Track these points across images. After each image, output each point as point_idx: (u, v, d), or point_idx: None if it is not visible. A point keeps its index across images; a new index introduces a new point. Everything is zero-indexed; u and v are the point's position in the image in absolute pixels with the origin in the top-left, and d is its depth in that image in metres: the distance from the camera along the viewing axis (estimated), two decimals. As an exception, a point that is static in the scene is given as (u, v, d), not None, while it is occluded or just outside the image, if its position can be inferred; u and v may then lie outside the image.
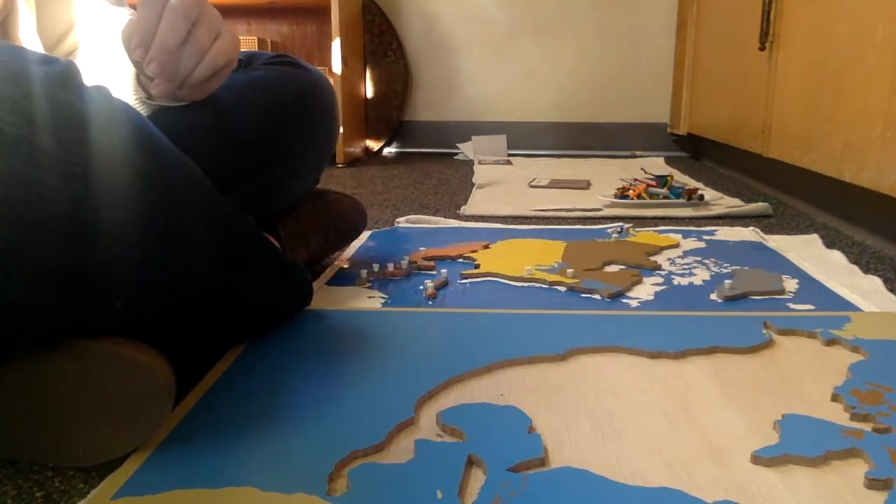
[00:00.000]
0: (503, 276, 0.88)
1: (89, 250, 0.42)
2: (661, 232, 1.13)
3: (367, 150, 2.46)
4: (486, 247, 1.02)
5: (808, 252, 1.01)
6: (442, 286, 0.84)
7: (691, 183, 1.60)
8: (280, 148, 0.78)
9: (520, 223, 1.24)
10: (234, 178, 0.68)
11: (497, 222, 1.25)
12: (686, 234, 1.11)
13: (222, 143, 0.67)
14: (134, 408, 0.47)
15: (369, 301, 0.80)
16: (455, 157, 2.35)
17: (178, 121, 0.48)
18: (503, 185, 1.69)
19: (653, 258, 0.95)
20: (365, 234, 1.11)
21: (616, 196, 1.39)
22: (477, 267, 0.92)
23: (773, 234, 1.14)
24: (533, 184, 1.67)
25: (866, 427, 0.49)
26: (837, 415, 0.52)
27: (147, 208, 0.45)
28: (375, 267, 0.90)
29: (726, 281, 0.82)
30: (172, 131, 0.53)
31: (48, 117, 0.40)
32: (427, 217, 1.25)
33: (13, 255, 0.39)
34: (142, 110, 0.61)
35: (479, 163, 2.15)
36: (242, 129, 0.73)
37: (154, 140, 0.48)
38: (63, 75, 0.42)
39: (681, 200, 1.36)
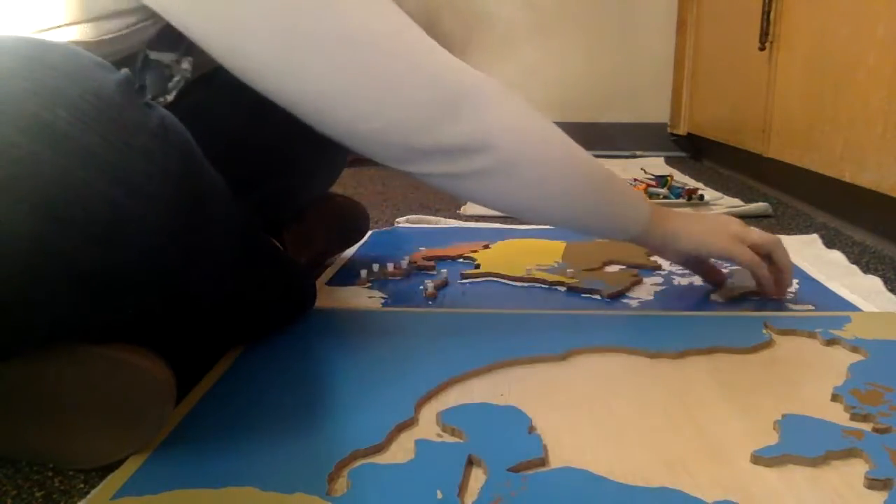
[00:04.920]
0: (503, 276, 0.88)
1: (117, 256, 0.42)
2: (661, 232, 1.12)
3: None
4: (486, 247, 1.02)
5: (808, 252, 1.01)
6: (442, 286, 0.84)
7: (691, 183, 1.60)
8: (288, 156, 0.78)
9: (520, 223, 1.24)
10: (242, 187, 0.68)
11: (497, 222, 1.25)
12: (686, 234, 1.11)
13: (230, 152, 0.67)
14: (134, 412, 0.47)
15: (369, 301, 0.80)
16: (455, 157, 2.35)
17: (190, 129, 0.48)
18: (503, 185, 1.69)
19: (653, 258, 0.95)
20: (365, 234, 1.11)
21: (616, 196, 1.39)
22: (477, 267, 0.92)
23: (772, 234, 1.13)
24: (533, 184, 1.67)
25: (866, 427, 0.49)
26: (837, 415, 0.52)
27: (179, 218, 0.45)
28: (375, 267, 0.90)
29: (727, 280, 0.82)
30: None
31: (100, 117, 0.40)
32: (427, 217, 1.25)
33: (41, 250, 0.38)
34: None
35: (479, 163, 2.14)
36: (251, 137, 0.73)
37: (195, 151, 0.48)
38: (121, 81, 0.42)
39: (681, 200, 1.36)
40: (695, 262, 0.80)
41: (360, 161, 0.62)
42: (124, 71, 0.44)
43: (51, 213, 0.38)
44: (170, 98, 0.63)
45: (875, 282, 0.86)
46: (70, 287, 0.41)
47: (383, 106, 0.54)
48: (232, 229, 0.55)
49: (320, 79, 0.52)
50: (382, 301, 0.80)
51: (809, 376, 0.58)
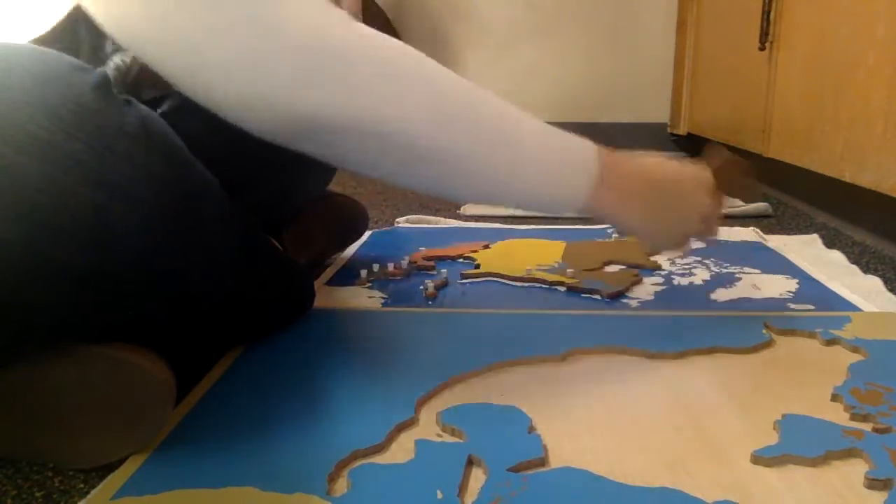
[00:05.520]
0: (503, 276, 0.88)
1: (110, 258, 0.42)
2: (661, 232, 1.12)
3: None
4: (486, 247, 1.02)
5: (808, 252, 1.01)
6: (442, 286, 0.84)
7: (691, 183, 1.60)
8: (281, 155, 0.78)
9: (520, 223, 1.24)
10: (237, 188, 0.68)
11: (497, 222, 1.25)
12: (686, 234, 1.11)
13: (228, 152, 0.67)
14: (135, 412, 0.47)
15: (369, 301, 0.80)
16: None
17: (185, 129, 0.48)
18: (503, 185, 1.69)
19: (653, 258, 0.95)
20: (365, 234, 1.11)
21: (616, 196, 1.39)
22: (477, 267, 0.92)
23: (773, 234, 1.14)
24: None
25: (866, 427, 0.49)
26: (837, 415, 0.52)
27: (170, 221, 0.45)
28: (375, 267, 0.90)
29: None
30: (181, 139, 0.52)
31: (81, 125, 0.40)
32: (427, 217, 1.25)
33: (33, 256, 0.39)
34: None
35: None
36: (240, 138, 0.73)
37: (180, 151, 0.48)
38: (98, 84, 0.42)
39: (681, 200, 1.36)
40: None
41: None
42: (101, 70, 0.44)
43: (39, 220, 0.39)
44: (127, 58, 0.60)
45: (875, 282, 0.86)
46: (69, 290, 0.41)
47: (241, 70, 0.45)
48: (230, 229, 0.55)
49: (179, 35, 0.44)
50: (382, 301, 0.80)
51: (809, 376, 0.58)
